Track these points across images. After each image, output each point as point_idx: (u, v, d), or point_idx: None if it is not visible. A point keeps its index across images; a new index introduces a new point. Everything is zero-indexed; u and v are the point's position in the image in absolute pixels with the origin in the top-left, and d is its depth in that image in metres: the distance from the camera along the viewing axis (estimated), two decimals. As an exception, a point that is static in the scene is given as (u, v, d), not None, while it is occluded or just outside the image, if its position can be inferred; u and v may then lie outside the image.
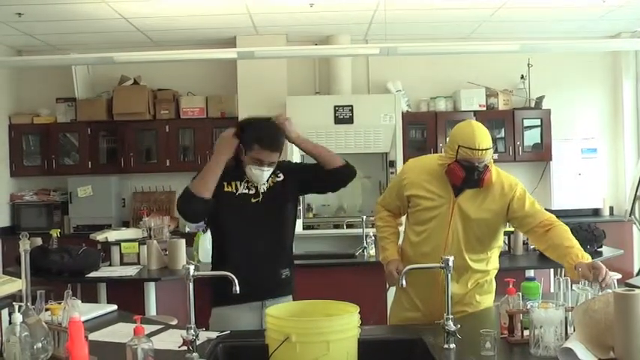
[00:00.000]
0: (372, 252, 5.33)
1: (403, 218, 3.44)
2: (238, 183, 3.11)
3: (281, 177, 3.18)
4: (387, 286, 3.33)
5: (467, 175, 3.03)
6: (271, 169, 3.08)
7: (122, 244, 5.24)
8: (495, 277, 3.30)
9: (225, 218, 3.10)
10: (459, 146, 3.01)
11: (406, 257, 3.26)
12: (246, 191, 3.10)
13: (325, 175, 3.19)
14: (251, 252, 3.07)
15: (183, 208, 3.06)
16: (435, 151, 7.62)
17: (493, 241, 3.19)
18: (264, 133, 3.06)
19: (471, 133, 3.02)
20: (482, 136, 3.02)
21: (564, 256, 2.89)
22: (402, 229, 3.45)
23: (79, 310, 2.41)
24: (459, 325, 2.52)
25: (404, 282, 2.68)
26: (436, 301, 3.04)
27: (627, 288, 2.21)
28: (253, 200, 3.10)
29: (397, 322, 3.30)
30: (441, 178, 3.12)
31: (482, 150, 2.98)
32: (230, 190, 3.09)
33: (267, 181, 3.13)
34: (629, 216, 7.27)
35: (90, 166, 7.87)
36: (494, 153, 7.96)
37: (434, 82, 8.01)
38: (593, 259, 5.29)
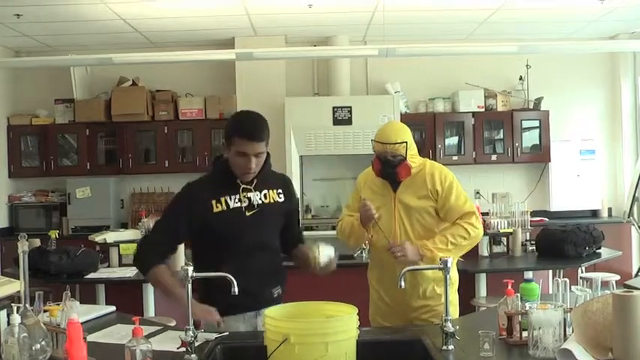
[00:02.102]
0: (371, 253, 5.33)
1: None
2: (228, 198, 2.90)
3: (282, 199, 3.03)
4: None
5: (383, 167, 3.30)
6: (260, 161, 2.87)
7: (121, 245, 5.24)
8: (463, 272, 3.66)
9: (216, 237, 2.89)
10: (372, 140, 3.32)
11: (370, 256, 3.61)
12: (238, 204, 2.90)
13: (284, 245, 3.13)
14: (244, 265, 2.84)
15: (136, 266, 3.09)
16: (434, 153, 7.63)
17: (440, 229, 3.35)
18: (243, 124, 2.88)
19: (383, 128, 3.37)
20: (391, 131, 3.31)
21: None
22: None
23: (77, 312, 2.41)
24: (458, 327, 2.52)
25: (402, 283, 2.69)
26: (399, 294, 3.26)
27: (626, 289, 2.21)
28: (248, 213, 2.91)
29: (372, 317, 3.46)
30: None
31: (388, 144, 3.23)
32: (220, 209, 2.88)
33: (267, 195, 2.97)
34: (628, 217, 7.28)
35: (88, 167, 7.86)
36: (492, 154, 8.04)
37: (432, 83, 8.02)
38: (591, 260, 5.37)
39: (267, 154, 2.93)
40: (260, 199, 2.95)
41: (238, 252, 2.88)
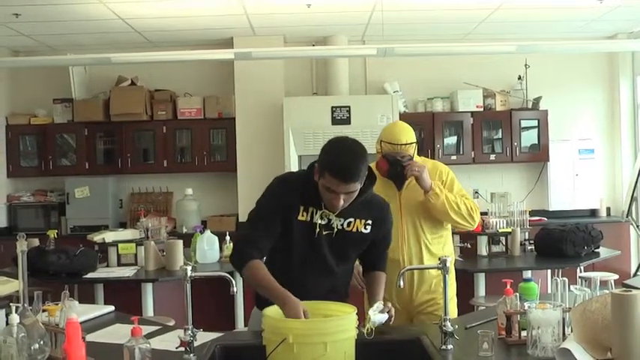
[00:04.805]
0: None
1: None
2: (314, 211, 2.70)
3: (368, 230, 2.79)
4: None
5: (390, 168, 3.34)
6: (350, 197, 2.61)
7: (119, 244, 5.24)
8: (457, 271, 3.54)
9: (292, 243, 2.72)
10: (381, 141, 3.36)
11: None
12: (320, 221, 2.70)
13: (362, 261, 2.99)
14: (300, 282, 2.65)
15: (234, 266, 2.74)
16: (432, 152, 7.63)
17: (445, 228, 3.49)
18: (338, 160, 2.57)
19: (391, 129, 3.41)
20: (400, 132, 3.35)
21: None
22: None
23: (76, 311, 2.41)
24: (457, 326, 2.52)
25: (401, 283, 2.70)
26: (403, 292, 3.34)
27: (624, 289, 2.21)
28: (324, 232, 2.71)
29: None
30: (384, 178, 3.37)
31: (401, 144, 3.30)
32: (304, 219, 2.70)
33: (352, 224, 2.75)
34: (626, 217, 7.29)
35: (87, 166, 7.86)
36: (491, 154, 8.05)
37: (431, 82, 8.01)
38: (590, 259, 5.37)
39: (365, 183, 2.65)
40: (342, 224, 2.74)
41: (297, 266, 2.73)
